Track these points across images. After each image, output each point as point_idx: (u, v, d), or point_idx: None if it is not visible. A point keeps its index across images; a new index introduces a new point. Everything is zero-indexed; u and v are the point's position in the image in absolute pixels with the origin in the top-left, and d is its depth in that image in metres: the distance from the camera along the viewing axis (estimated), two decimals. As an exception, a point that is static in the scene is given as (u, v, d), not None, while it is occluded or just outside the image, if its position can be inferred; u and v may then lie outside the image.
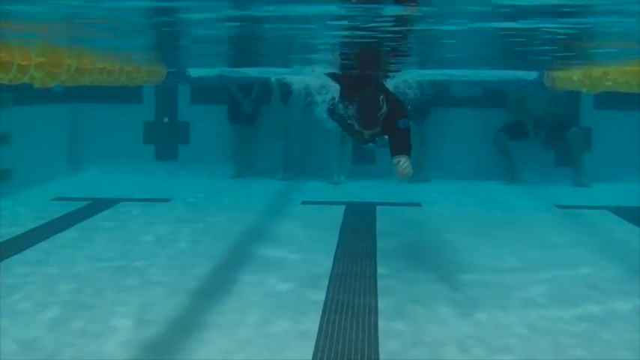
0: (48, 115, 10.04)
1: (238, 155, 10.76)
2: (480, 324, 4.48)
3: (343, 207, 8.30)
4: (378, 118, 5.05)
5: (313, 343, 4.11)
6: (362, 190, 9.52)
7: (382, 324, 4.43)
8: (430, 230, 7.19)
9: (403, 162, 5.04)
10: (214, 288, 5.19)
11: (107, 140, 10.85)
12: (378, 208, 8.29)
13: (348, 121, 5.47)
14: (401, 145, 5.14)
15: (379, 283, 5.31)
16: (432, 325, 4.45)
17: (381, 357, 3.94)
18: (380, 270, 5.66)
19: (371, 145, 5.63)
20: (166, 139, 11.02)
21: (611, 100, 9.38)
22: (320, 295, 5.00)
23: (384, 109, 5.04)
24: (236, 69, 7.64)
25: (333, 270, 5.67)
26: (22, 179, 9.07)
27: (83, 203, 8.44)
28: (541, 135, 10.12)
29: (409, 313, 4.66)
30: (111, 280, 5.35)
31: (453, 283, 5.29)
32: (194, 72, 7.86)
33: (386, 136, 5.36)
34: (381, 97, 5.11)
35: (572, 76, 6.22)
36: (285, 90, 9.97)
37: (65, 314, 4.57)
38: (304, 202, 8.71)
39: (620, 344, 4.19)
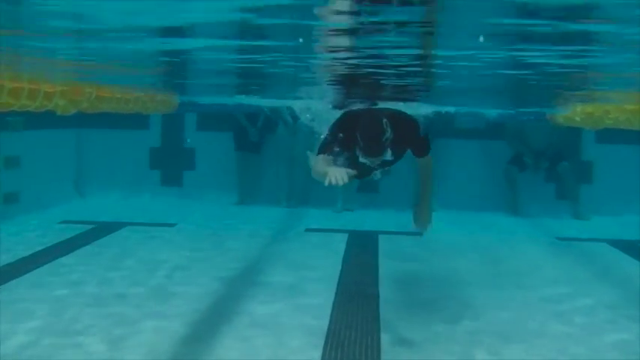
0: (56, 139, 10.19)
1: (243, 182, 10.90)
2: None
3: (346, 235, 8.41)
4: (384, 143, 4.44)
5: None
6: (365, 219, 9.63)
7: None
8: (430, 261, 7.30)
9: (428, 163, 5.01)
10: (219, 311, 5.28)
11: (114, 165, 10.99)
12: (381, 236, 8.40)
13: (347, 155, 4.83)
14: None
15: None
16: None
17: None
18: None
19: (377, 175, 5.52)
20: (172, 165, 11.17)
21: (612, 135, 9.56)
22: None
23: (389, 133, 4.43)
24: (243, 98, 7.81)
25: (335, 298, 5.78)
26: (29, 202, 9.19)
27: (89, 227, 8.54)
28: (543, 167, 10.28)
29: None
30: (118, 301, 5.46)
31: (453, 318, 5.35)
32: (203, 100, 8.07)
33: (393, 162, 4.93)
34: (384, 120, 4.47)
35: (574, 117, 6.37)
36: (292, 120, 10.14)
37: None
38: (308, 230, 8.82)
39: None
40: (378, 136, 4.39)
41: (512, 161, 10.34)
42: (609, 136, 9.84)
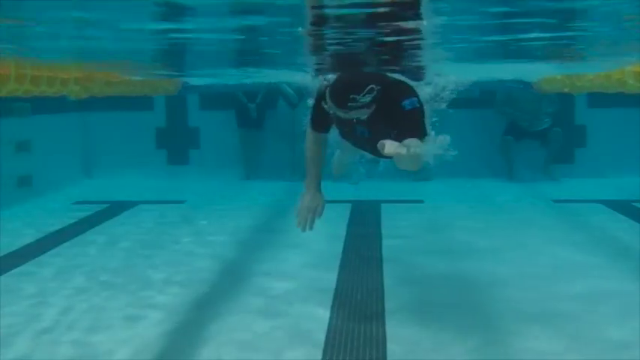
0: (64, 123, 10.48)
1: (247, 158, 11.22)
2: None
3: (350, 205, 8.73)
4: (351, 100, 3.99)
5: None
6: (367, 190, 9.94)
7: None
8: (432, 226, 7.63)
9: (413, 144, 3.77)
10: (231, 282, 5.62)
11: (120, 146, 11.32)
12: (383, 205, 8.72)
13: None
14: (410, 129, 4.05)
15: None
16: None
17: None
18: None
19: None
20: (178, 145, 11.49)
21: (605, 99, 9.83)
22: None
23: (367, 98, 4.01)
24: (243, 72, 8.00)
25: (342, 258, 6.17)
26: (41, 185, 9.52)
27: (103, 206, 8.89)
28: (539, 129, 10.58)
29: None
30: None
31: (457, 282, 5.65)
32: (204, 80, 8.33)
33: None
34: (370, 85, 4.03)
35: (555, 77, 6.72)
36: (292, 94, 10.43)
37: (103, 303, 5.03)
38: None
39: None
40: (347, 92, 4.02)
41: (507, 132, 10.66)
42: (601, 100, 10.13)
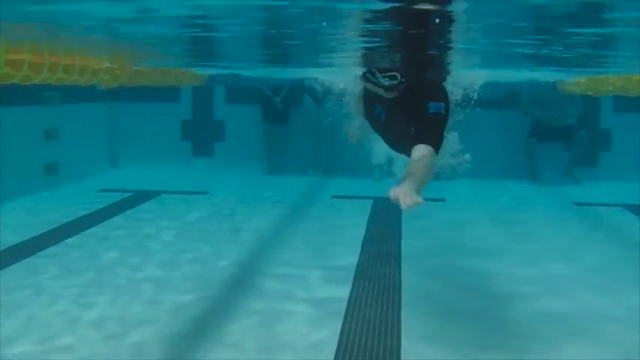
0: (91, 112, 10.65)
1: (271, 152, 11.32)
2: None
3: (371, 201, 8.79)
4: (372, 74, 4.15)
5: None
6: (388, 187, 9.97)
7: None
8: (452, 224, 7.68)
9: (426, 154, 3.88)
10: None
11: (146, 137, 11.46)
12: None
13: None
14: (427, 133, 4.03)
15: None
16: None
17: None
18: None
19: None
20: (203, 137, 11.62)
21: (630, 104, 9.82)
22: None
23: (384, 81, 4.11)
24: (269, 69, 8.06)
25: (360, 253, 6.24)
26: (68, 173, 9.68)
27: (128, 194, 9.03)
28: (561, 132, 10.56)
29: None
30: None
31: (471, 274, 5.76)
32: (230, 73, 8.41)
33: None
34: (394, 73, 4.10)
35: (579, 80, 6.75)
36: (318, 90, 10.50)
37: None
38: (334, 197, 9.24)
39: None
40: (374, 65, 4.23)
41: (531, 133, 10.65)
42: (627, 104, 10.10)
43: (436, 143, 3.99)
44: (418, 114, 4.09)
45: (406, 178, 3.73)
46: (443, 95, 4.30)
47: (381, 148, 5.93)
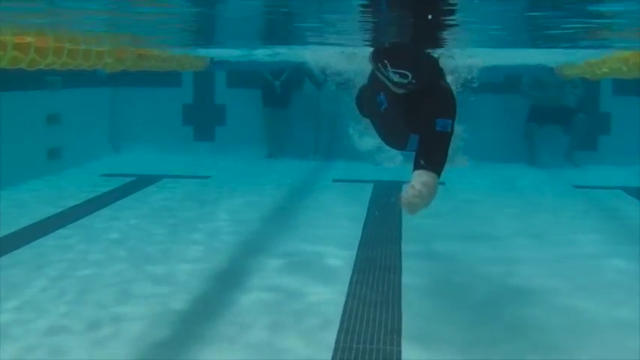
0: (93, 97, 10.70)
1: (271, 137, 11.37)
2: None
3: (372, 185, 8.85)
4: (383, 65, 3.90)
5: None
6: (389, 171, 10.03)
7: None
8: (452, 207, 7.76)
9: (429, 183, 3.76)
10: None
11: (148, 122, 11.50)
12: (404, 187, 8.79)
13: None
14: (430, 158, 3.83)
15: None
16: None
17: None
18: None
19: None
20: (204, 121, 11.67)
21: (630, 87, 9.86)
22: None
23: (394, 77, 3.90)
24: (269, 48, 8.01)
25: (361, 237, 6.31)
26: (70, 158, 9.74)
27: (130, 179, 9.10)
28: (561, 113, 10.61)
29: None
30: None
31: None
32: (231, 56, 8.43)
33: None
34: (405, 71, 3.86)
35: (575, 64, 6.79)
36: (318, 74, 10.51)
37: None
38: (335, 180, 9.30)
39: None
40: (385, 56, 3.91)
41: (531, 117, 10.70)
42: (627, 88, 10.15)
43: (440, 167, 3.83)
44: (422, 125, 3.93)
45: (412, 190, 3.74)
46: (452, 110, 4.00)
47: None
